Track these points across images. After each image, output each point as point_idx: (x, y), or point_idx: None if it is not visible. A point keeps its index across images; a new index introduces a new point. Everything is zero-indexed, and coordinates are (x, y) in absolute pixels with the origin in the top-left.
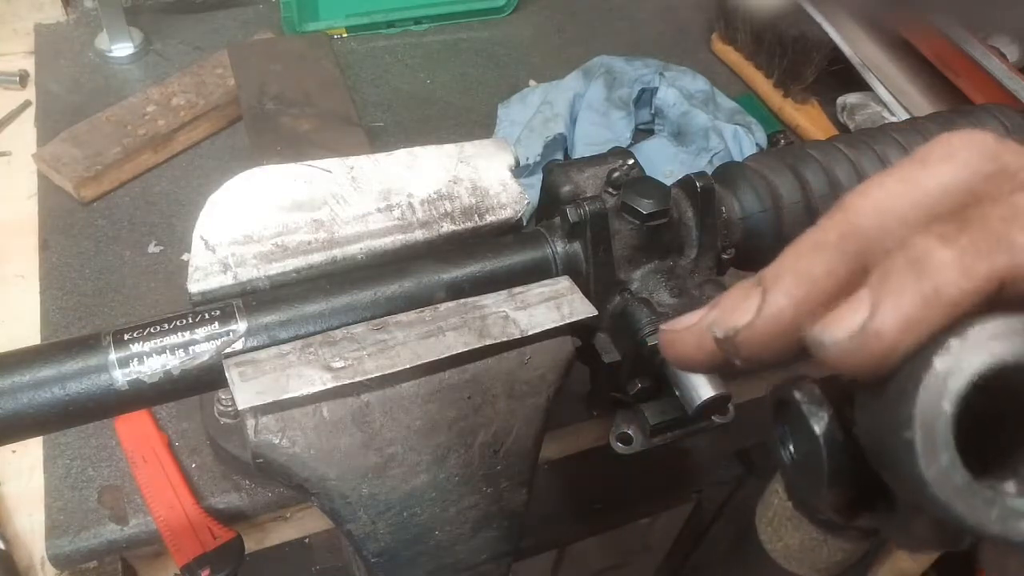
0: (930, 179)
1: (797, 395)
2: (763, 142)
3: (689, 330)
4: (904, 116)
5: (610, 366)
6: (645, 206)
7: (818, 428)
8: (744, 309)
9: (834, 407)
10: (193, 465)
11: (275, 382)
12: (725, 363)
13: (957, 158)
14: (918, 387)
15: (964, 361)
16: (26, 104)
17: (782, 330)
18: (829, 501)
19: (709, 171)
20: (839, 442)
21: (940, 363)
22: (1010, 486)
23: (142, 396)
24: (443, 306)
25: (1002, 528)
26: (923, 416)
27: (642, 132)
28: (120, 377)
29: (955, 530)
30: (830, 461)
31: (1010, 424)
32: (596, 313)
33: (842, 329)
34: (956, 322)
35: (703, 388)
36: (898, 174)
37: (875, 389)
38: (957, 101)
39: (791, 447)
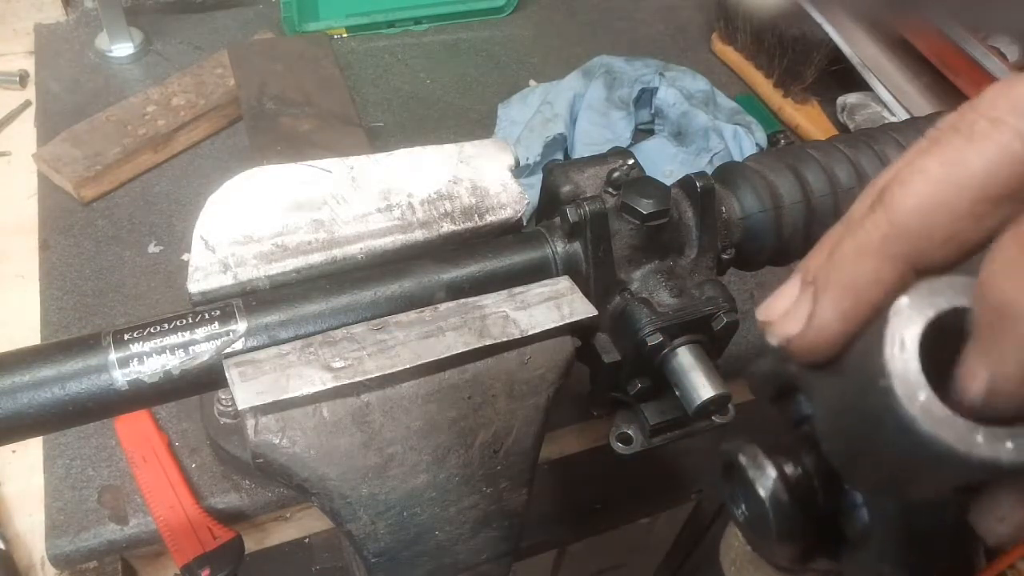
0: (977, 158)
1: (742, 460)
2: (763, 142)
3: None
4: (904, 116)
5: (610, 366)
6: (645, 206)
7: (763, 492)
8: (796, 317)
9: (778, 468)
10: (193, 465)
11: (275, 382)
12: None
13: (1005, 125)
14: (882, 341)
15: (915, 312)
16: (26, 104)
17: (832, 340)
18: (781, 554)
19: (709, 171)
20: (785, 502)
21: (897, 317)
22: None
23: (142, 396)
24: (443, 306)
25: (1018, 454)
26: (892, 361)
27: (642, 132)
28: (120, 377)
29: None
30: (778, 521)
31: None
32: (596, 313)
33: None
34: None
35: (703, 388)
36: (939, 155)
37: (831, 378)
38: (957, 101)
39: (742, 506)
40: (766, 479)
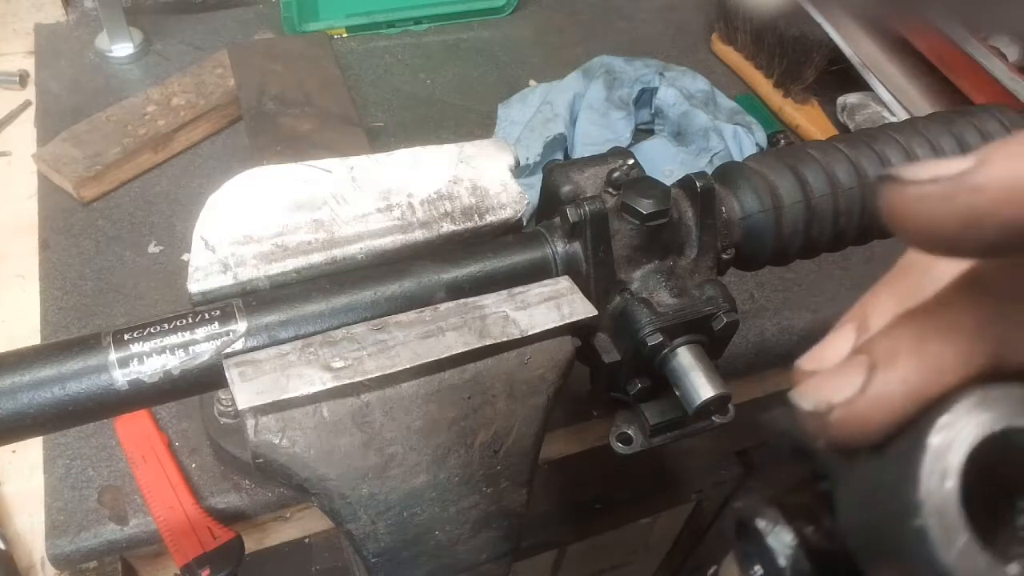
0: None
1: (760, 524)
2: (763, 142)
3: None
4: (904, 116)
5: (610, 366)
6: (645, 206)
7: (783, 560)
8: (844, 383)
9: (799, 534)
10: (193, 465)
11: (275, 382)
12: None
13: None
14: (919, 470)
15: (958, 435)
16: (26, 104)
17: (884, 419)
18: None
19: (709, 171)
20: (806, 571)
21: (936, 440)
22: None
23: (142, 396)
24: (443, 306)
25: None
26: (931, 500)
27: (642, 132)
28: (120, 377)
29: None
30: None
31: (1005, 492)
32: (596, 313)
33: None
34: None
35: (703, 388)
36: None
37: (866, 466)
38: (957, 101)
39: (758, 568)
40: (786, 548)
